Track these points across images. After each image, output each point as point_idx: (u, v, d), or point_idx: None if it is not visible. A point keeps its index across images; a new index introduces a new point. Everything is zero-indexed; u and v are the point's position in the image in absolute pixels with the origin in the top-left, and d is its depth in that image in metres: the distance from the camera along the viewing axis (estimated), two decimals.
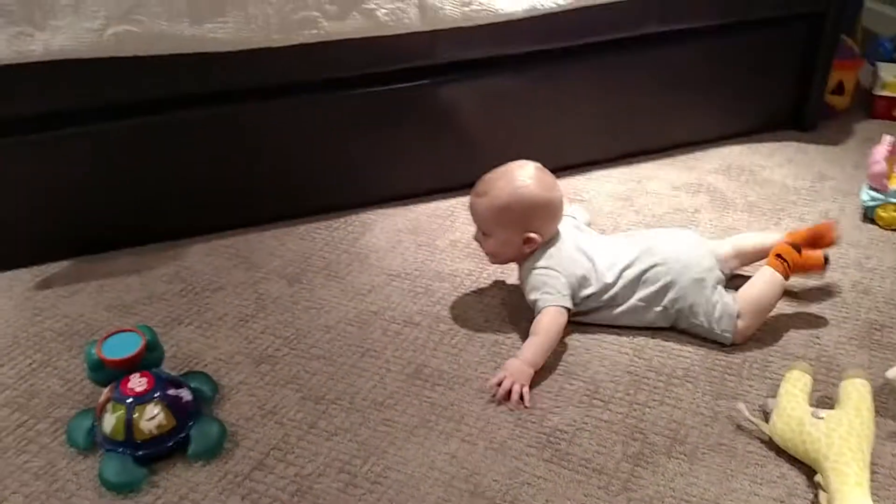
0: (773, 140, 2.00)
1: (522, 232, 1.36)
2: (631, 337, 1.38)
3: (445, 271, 1.57)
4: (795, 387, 1.18)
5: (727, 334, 1.33)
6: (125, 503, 1.11)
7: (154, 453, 1.15)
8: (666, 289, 1.34)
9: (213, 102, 1.58)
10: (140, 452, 1.14)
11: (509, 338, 1.39)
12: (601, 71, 1.82)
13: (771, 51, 1.91)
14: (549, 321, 1.32)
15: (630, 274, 1.36)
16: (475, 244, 1.64)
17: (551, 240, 1.40)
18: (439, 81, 1.69)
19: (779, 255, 1.36)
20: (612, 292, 1.36)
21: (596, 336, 1.38)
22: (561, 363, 1.33)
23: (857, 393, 1.15)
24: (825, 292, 1.47)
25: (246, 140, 1.64)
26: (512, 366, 1.27)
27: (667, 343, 1.36)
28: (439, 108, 1.72)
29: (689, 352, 1.34)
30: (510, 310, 1.46)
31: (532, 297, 1.36)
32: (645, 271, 1.35)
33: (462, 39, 1.62)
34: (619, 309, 1.37)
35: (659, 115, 1.91)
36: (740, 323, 1.33)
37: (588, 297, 1.37)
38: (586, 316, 1.39)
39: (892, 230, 1.64)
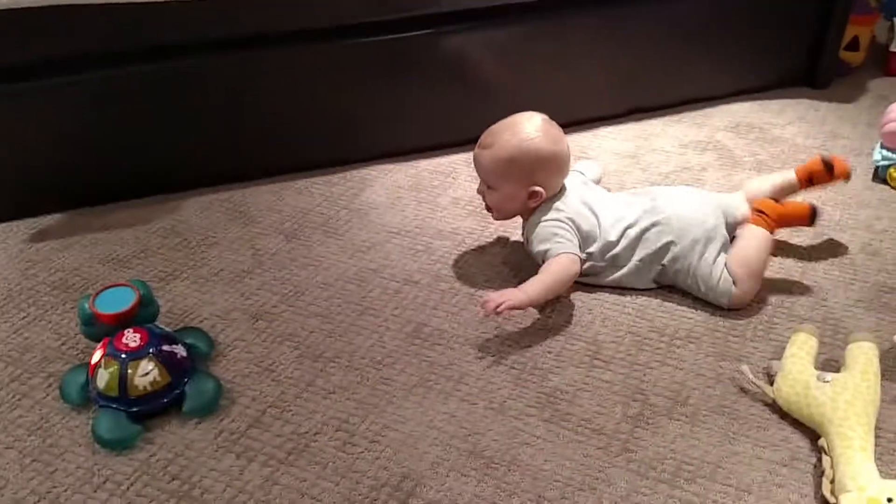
0: (785, 97, 1.95)
1: (527, 185, 1.33)
2: (633, 297, 1.35)
3: (447, 229, 1.54)
4: (802, 349, 1.16)
5: (723, 299, 1.30)
6: (119, 460, 1.10)
7: (148, 410, 1.14)
8: (666, 248, 1.32)
9: (210, 51, 1.54)
10: (134, 409, 1.13)
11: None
12: (609, 23, 1.76)
13: (785, 3, 1.85)
14: (558, 265, 1.29)
15: (633, 232, 1.33)
16: (477, 201, 1.61)
17: (557, 194, 1.37)
18: (443, 31, 1.64)
19: (758, 210, 1.33)
20: (614, 251, 1.34)
21: (598, 296, 1.36)
22: (563, 323, 1.30)
23: (864, 356, 1.13)
24: (833, 254, 1.44)
25: (245, 91, 1.60)
26: (509, 290, 1.27)
27: (669, 303, 1.34)
28: (443, 59, 1.67)
29: (693, 312, 1.32)
30: (512, 269, 1.43)
31: (541, 247, 1.32)
32: (647, 229, 1.33)
33: None
34: (621, 272, 1.34)
35: (668, 69, 1.86)
36: (736, 289, 1.30)
37: (591, 254, 1.34)
38: (587, 277, 1.36)
39: None
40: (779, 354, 1.21)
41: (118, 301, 1.18)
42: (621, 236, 1.33)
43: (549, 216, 1.34)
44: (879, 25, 2.07)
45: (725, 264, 1.31)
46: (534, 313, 1.33)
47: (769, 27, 1.87)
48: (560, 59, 1.76)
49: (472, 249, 1.49)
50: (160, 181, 1.64)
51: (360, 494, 1.04)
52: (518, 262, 1.44)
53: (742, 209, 1.39)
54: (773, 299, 1.34)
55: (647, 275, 1.34)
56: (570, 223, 1.33)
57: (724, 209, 1.38)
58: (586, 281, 1.36)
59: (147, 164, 1.62)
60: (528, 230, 1.37)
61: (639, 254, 1.33)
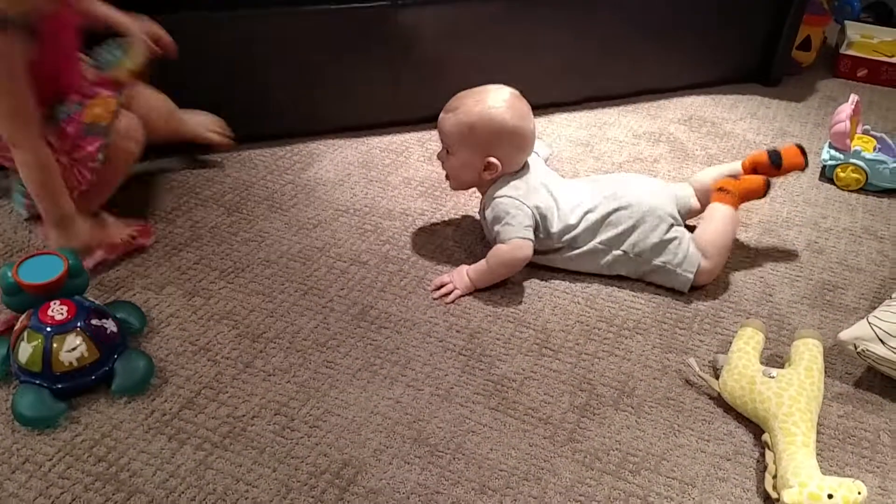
0: (737, 93, 1.96)
1: (484, 156, 1.30)
2: (584, 286, 1.34)
3: (397, 209, 1.50)
4: (748, 344, 1.16)
5: (689, 275, 1.30)
6: (41, 439, 1.03)
7: (74, 387, 1.07)
8: (628, 232, 1.31)
9: (155, 9, 1.45)
10: (59, 385, 1.06)
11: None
12: (567, 9, 1.74)
13: (741, 0, 1.85)
14: (504, 251, 1.28)
15: (593, 217, 1.32)
16: (429, 182, 1.58)
17: (519, 171, 1.34)
18: (399, 5, 1.59)
19: (720, 189, 1.35)
20: (573, 233, 1.32)
21: (549, 284, 1.34)
22: (513, 310, 1.28)
23: (808, 353, 1.14)
24: (779, 250, 1.45)
25: (187, 53, 1.52)
26: (459, 274, 1.31)
27: (619, 294, 1.33)
28: (400, 34, 1.62)
29: (641, 303, 1.31)
30: (464, 253, 1.40)
31: (495, 227, 1.31)
32: (608, 214, 1.32)
33: None
34: (578, 251, 1.33)
35: (625, 59, 1.85)
36: (704, 263, 1.31)
37: (548, 236, 1.32)
38: (544, 256, 1.34)
39: (849, 191, 1.63)
40: (725, 348, 1.21)
41: (44, 270, 1.11)
42: (580, 220, 1.32)
43: (505, 192, 1.31)
44: (831, 27, 2.11)
45: (693, 242, 1.31)
46: (483, 299, 1.30)
47: (725, 23, 1.88)
48: (518, 43, 1.73)
49: (423, 231, 1.45)
50: None
51: (298, 481, 1.00)
52: (469, 246, 1.41)
53: (692, 198, 1.41)
54: (720, 293, 1.34)
55: (604, 258, 1.33)
56: (525, 203, 1.30)
57: (677, 197, 1.38)
58: (541, 261, 1.35)
59: None
60: (484, 204, 1.35)
61: (600, 237, 1.32)
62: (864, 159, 1.60)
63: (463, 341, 1.22)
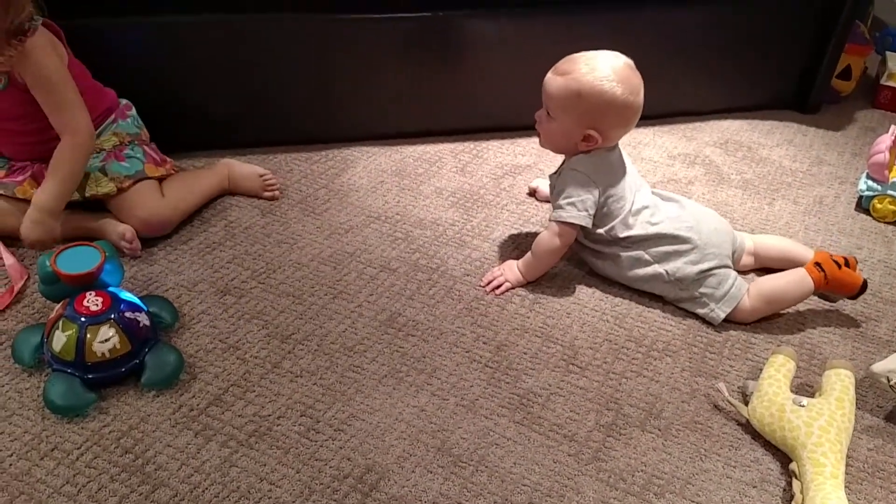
0: (774, 118, 1.95)
1: (585, 126, 1.25)
2: (613, 304, 1.33)
3: (428, 218, 1.50)
4: (779, 372, 1.15)
5: (721, 313, 1.29)
6: (69, 428, 1.04)
7: (105, 378, 1.09)
8: (679, 255, 1.29)
9: (199, 13, 1.48)
10: (90, 375, 1.08)
11: (488, 294, 1.33)
12: (610, 27, 1.73)
13: (784, 26, 1.85)
14: (548, 240, 1.30)
15: (653, 229, 1.29)
16: (461, 193, 1.58)
17: (611, 149, 1.30)
18: (443, 16, 1.60)
19: (818, 265, 1.30)
20: (629, 233, 1.30)
21: (578, 300, 1.34)
22: (540, 325, 1.28)
23: (840, 384, 1.12)
24: None
25: (229, 57, 1.54)
26: (509, 267, 1.35)
27: (649, 314, 1.32)
28: (440, 45, 1.63)
29: (672, 325, 1.30)
30: (492, 265, 1.40)
31: (558, 200, 1.30)
32: (668, 231, 1.29)
33: None
34: (624, 253, 1.31)
35: (662, 80, 1.82)
36: (745, 302, 1.29)
37: (606, 223, 1.30)
38: (588, 249, 1.34)
39: (886, 222, 1.61)
40: (755, 374, 1.20)
41: (82, 261, 1.12)
42: (642, 222, 1.30)
43: (584, 167, 1.27)
44: (872, 57, 2.09)
45: (740, 281, 1.29)
46: (510, 312, 1.30)
47: (765, 48, 1.87)
48: (556, 59, 1.72)
49: (453, 242, 1.45)
50: None
51: (321, 483, 1.00)
52: (498, 257, 1.41)
53: (748, 253, 1.39)
54: None
55: (641, 269, 1.31)
56: (597, 186, 1.27)
57: (735, 243, 1.36)
58: (580, 253, 1.36)
59: None
60: (564, 165, 1.32)
61: (650, 249, 1.30)
62: None
63: (490, 353, 1.22)
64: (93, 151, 1.32)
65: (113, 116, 1.40)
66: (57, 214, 1.28)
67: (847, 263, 1.31)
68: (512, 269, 1.35)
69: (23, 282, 1.25)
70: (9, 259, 1.28)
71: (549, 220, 1.32)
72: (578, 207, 1.28)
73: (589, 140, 1.27)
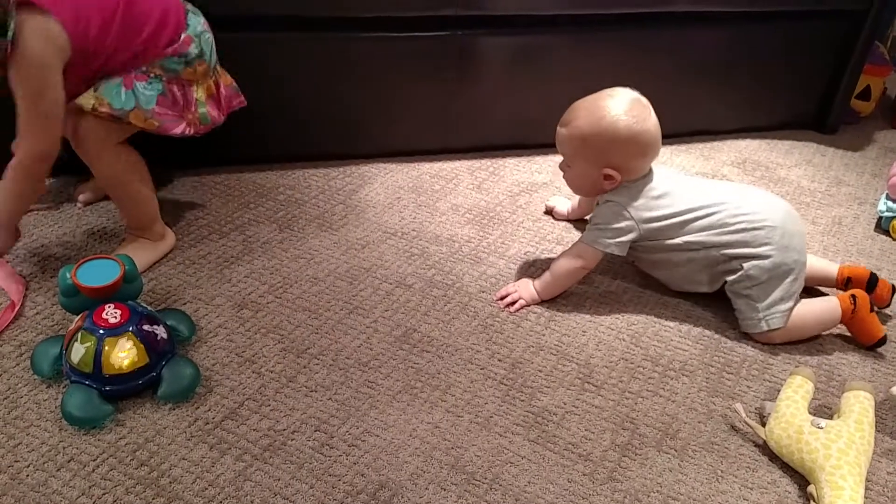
0: (793, 139, 1.94)
1: (601, 167, 1.26)
2: (629, 323, 1.33)
3: (444, 235, 1.51)
4: (797, 393, 1.14)
5: (764, 326, 1.27)
6: (86, 439, 1.05)
7: (122, 390, 1.09)
8: (759, 256, 1.26)
9: (220, 30, 1.49)
10: (107, 388, 1.08)
11: (503, 311, 1.33)
12: (626, 46, 1.75)
13: (803, 46, 1.85)
14: (564, 262, 1.32)
15: (739, 219, 1.27)
16: (477, 210, 1.59)
17: (643, 178, 1.29)
18: (460, 35, 1.61)
19: (853, 297, 1.30)
20: (704, 238, 1.28)
21: (593, 319, 1.33)
22: (556, 343, 1.27)
23: (859, 406, 1.11)
24: None
25: (248, 72, 1.56)
26: (525, 285, 1.35)
27: (666, 333, 1.31)
28: (456, 63, 1.64)
29: (689, 344, 1.30)
30: (507, 282, 1.40)
31: (589, 227, 1.32)
32: (755, 223, 1.27)
33: None
34: (693, 255, 1.29)
35: (680, 99, 1.84)
36: (783, 331, 1.28)
37: (661, 236, 1.29)
38: (651, 260, 1.36)
39: None
40: (773, 395, 1.18)
41: (101, 274, 1.13)
42: (719, 226, 1.27)
43: (619, 198, 1.28)
44: (891, 79, 2.08)
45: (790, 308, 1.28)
46: (526, 329, 1.29)
47: (784, 68, 1.87)
48: (573, 77, 1.73)
49: (468, 258, 1.45)
50: (155, 157, 1.59)
51: (334, 499, 1.00)
52: (514, 275, 1.41)
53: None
54: None
55: (715, 267, 1.30)
56: (632, 216, 1.28)
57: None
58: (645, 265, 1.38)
59: (143, 139, 1.57)
60: (602, 198, 1.32)
61: (727, 237, 1.27)
62: None
63: (504, 370, 1.21)
64: (39, 179, 1.24)
65: (171, 49, 1.25)
66: (8, 228, 1.25)
67: (872, 284, 1.33)
68: (527, 287, 1.35)
69: (21, 295, 1.25)
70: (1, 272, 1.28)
71: (577, 242, 1.33)
72: (607, 235, 1.29)
73: (610, 179, 1.28)
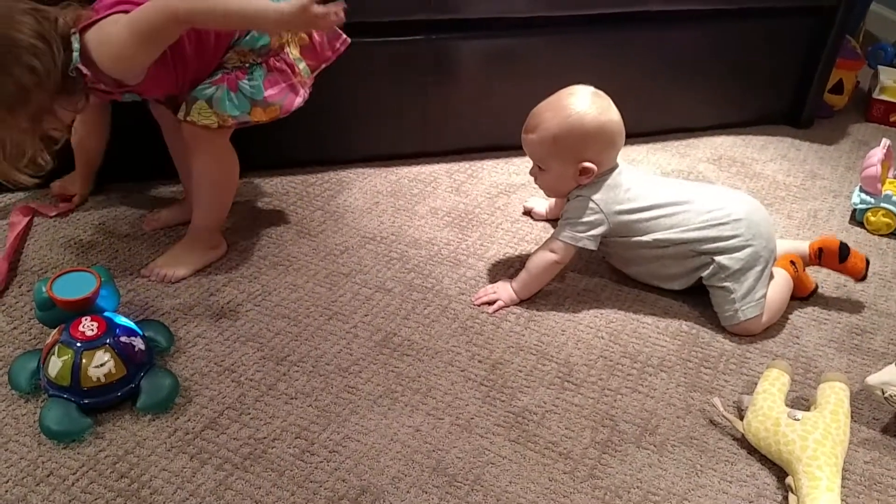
0: (768, 134, 1.96)
1: (577, 162, 1.29)
2: (608, 321, 1.34)
3: (423, 238, 1.51)
4: (773, 386, 1.15)
5: (739, 315, 1.29)
6: (65, 453, 1.04)
7: (100, 403, 1.09)
8: (725, 238, 1.29)
9: None
10: (85, 401, 1.08)
11: (483, 312, 1.34)
12: (601, 46, 1.76)
13: (775, 42, 1.86)
14: (540, 257, 1.33)
15: (704, 216, 1.30)
16: (456, 213, 1.59)
17: (611, 171, 1.32)
18: (434, 39, 1.62)
19: (792, 262, 1.36)
20: (668, 235, 1.31)
21: (573, 317, 1.34)
22: (535, 342, 1.28)
23: (835, 396, 1.12)
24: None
25: None
26: (503, 286, 1.35)
27: (644, 330, 1.32)
28: (432, 67, 1.65)
29: (666, 341, 1.31)
30: (486, 284, 1.40)
31: (561, 221, 1.34)
32: (721, 219, 1.30)
33: None
34: (666, 251, 1.32)
35: (655, 97, 1.86)
36: (766, 317, 1.31)
37: (631, 231, 1.32)
38: (624, 257, 1.38)
39: (880, 235, 1.61)
40: (750, 389, 1.20)
41: (77, 287, 1.13)
42: (683, 221, 1.31)
43: (588, 192, 1.31)
44: (864, 72, 2.10)
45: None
46: (506, 330, 1.30)
47: (757, 64, 1.89)
48: (549, 79, 1.72)
49: (448, 261, 1.46)
50: (129, 167, 1.59)
51: None
52: (494, 276, 1.42)
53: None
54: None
55: (687, 263, 1.33)
56: (602, 210, 1.30)
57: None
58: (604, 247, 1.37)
59: (117, 149, 1.56)
60: (572, 195, 1.34)
61: (702, 232, 1.30)
62: (895, 204, 1.59)
63: (485, 372, 1.22)
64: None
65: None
66: None
67: (844, 253, 1.36)
68: (505, 288, 1.35)
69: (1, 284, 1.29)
70: None
71: (550, 238, 1.34)
72: (578, 230, 1.31)
73: (587, 172, 1.30)
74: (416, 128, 1.72)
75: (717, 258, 1.29)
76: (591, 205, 1.30)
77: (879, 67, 2.12)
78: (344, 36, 1.36)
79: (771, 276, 1.33)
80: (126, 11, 1.12)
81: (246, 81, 1.25)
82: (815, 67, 1.89)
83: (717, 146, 1.90)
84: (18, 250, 1.38)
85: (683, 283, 1.36)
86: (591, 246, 1.32)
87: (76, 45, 1.11)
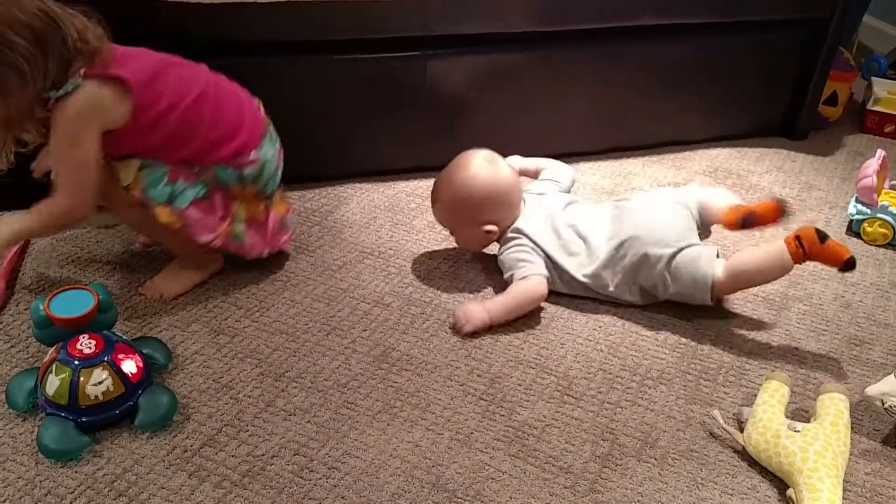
0: (763, 146, 1.97)
1: (479, 225, 1.39)
2: (607, 334, 1.34)
3: (421, 253, 1.51)
4: (773, 397, 1.15)
5: (705, 297, 1.33)
6: (63, 472, 1.04)
7: (98, 421, 1.09)
8: (635, 269, 1.34)
9: (194, 55, 1.50)
10: (83, 419, 1.07)
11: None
12: (596, 61, 1.77)
13: (769, 54, 1.88)
14: (521, 288, 1.33)
15: (603, 256, 1.35)
16: None
17: (518, 220, 1.40)
18: (430, 55, 1.63)
19: (798, 238, 1.27)
20: (592, 271, 1.36)
21: (571, 331, 1.34)
22: (534, 356, 1.28)
23: (835, 408, 1.12)
24: (806, 304, 1.44)
25: None
26: (470, 311, 1.31)
27: (643, 343, 1.32)
28: (428, 82, 1.66)
29: (665, 353, 1.30)
30: (485, 297, 1.40)
31: (506, 275, 1.37)
32: (615, 253, 1.35)
33: (457, 12, 1.56)
34: (609, 290, 1.37)
35: (650, 111, 1.87)
36: (718, 279, 1.31)
37: (562, 278, 1.37)
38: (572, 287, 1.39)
39: (877, 246, 1.62)
40: (750, 401, 1.19)
41: (75, 305, 1.13)
42: (594, 262, 1.36)
43: (510, 245, 1.38)
44: (857, 83, 2.12)
45: (706, 257, 1.32)
46: (504, 344, 1.30)
47: (752, 77, 1.90)
48: (544, 93, 1.76)
49: (446, 275, 1.46)
50: None
51: None
52: (491, 289, 1.42)
53: (717, 207, 1.40)
54: (745, 346, 1.33)
55: (629, 293, 1.37)
56: (530, 245, 1.37)
57: (695, 205, 1.40)
58: (572, 291, 1.39)
59: None
60: (499, 260, 1.41)
61: (616, 277, 1.36)
62: (891, 214, 1.59)
63: (484, 386, 1.22)
64: (57, 229, 1.33)
65: (236, 161, 1.27)
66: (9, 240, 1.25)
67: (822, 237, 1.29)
68: (473, 313, 1.31)
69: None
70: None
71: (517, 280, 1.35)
72: (536, 263, 1.35)
73: (490, 234, 1.40)
74: (413, 142, 1.73)
75: (640, 284, 1.35)
76: (525, 250, 1.36)
77: (873, 79, 2.13)
78: (289, 234, 1.40)
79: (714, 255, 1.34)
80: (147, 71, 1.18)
81: (183, 183, 1.25)
82: (810, 79, 1.90)
83: (713, 158, 1.91)
84: (16, 268, 1.38)
85: (641, 300, 1.38)
86: (542, 270, 1.35)
87: (70, 85, 1.13)
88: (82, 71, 1.14)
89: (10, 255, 1.37)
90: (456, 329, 1.32)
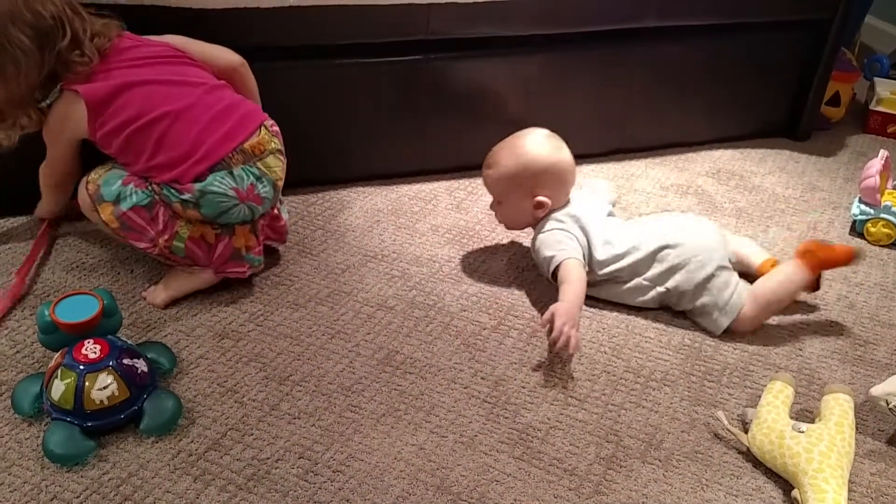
0: (766, 147, 1.97)
1: (532, 196, 1.38)
2: (610, 336, 1.34)
3: (424, 256, 1.52)
4: (777, 398, 1.15)
5: (724, 321, 1.32)
6: (69, 476, 1.04)
7: (104, 425, 1.09)
8: (673, 270, 1.34)
9: None
10: (89, 423, 1.08)
11: (486, 328, 1.34)
12: (598, 63, 1.77)
13: (771, 56, 1.88)
14: (572, 270, 1.32)
15: (639, 254, 1.35)
16: (456, 230, 1.60)
17: (564, 206, 1.41)
18: (432, 59, 1.63)
19: (808, 252, 1.35)
20: (616, 266, 1.36)
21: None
22: (538, 359, 1.28)
23: (839, 408, 1.12)
24: (810, 304, 1.44)
25: None
26: (560, 308, 1.23)
27: (647, 345, 1.32)
28: (430, 86, 1.66)
29: (669, 354, 1.30)
30: (488, 300, 1.41)
31: (547, 253, 1.36)
32: (655, 252, 1.35)
33: (459, 15, 1.56)
34: (623, 286, 1.37)
35: (653, 113, 1.87)
36: (746, 310, 1.32)
37: (591, 268, 1.36)
38: (589, 287, 1.36)
39: (880, 246, 1.62)
40: (754, 402, 1.19)
41: (80, 310, 1.13)
42: (625, 254, 1.36)
43: (553, 226, 1.38)
44: (860, 84, 2.11)
45: (741, 288, 1.33)
46: (508, 346, 1.30)
47: (755, 77, 1.90)
48: (547, 96, 1.76)
49: (449, 278, 1.46)
50: None
51: None
52: (495, 293, 1.42)
53: (744, 252, 1.44)
54: (749, 346, 1.33)
55: (645, 294, 1.36)
56: (573, 230, 1.37)
57: (729, 244, 1.41)
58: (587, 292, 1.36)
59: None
60: (534, 239, 1.41)
61: (644, 274, 1.35)
62: (894, 214, 1.59)
63: (488, 388, 1.22)
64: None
65: (173, 183, 1.26)
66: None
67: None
68: (565, 310, 1.23)
69: (8, 305, 1.31)
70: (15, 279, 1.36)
71: (551, 270, 1.35)
72: (573, 247, 1.35)
73: (541, 206, 1.39)
74: (415, 146, 1.73)
75: (668, 285, 1.34)
76: (565, 233, 1.36)
77: (876, 79, 2.13)
78: (243, 268, 1.36)
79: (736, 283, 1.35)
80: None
81: (132, 188, 1.28)
82: (812, 80, 1.91)
83: (716, 160, 1.91)
84: (35, 263, 1.41)
85: (656, 303, 1.39)
86: (577, 255, 1.34)
87: (53, 95, 1.27)
88: (59, 85, 1.26)
89: (32, 250, 1.42)
90: (561, 332, 1.20)
